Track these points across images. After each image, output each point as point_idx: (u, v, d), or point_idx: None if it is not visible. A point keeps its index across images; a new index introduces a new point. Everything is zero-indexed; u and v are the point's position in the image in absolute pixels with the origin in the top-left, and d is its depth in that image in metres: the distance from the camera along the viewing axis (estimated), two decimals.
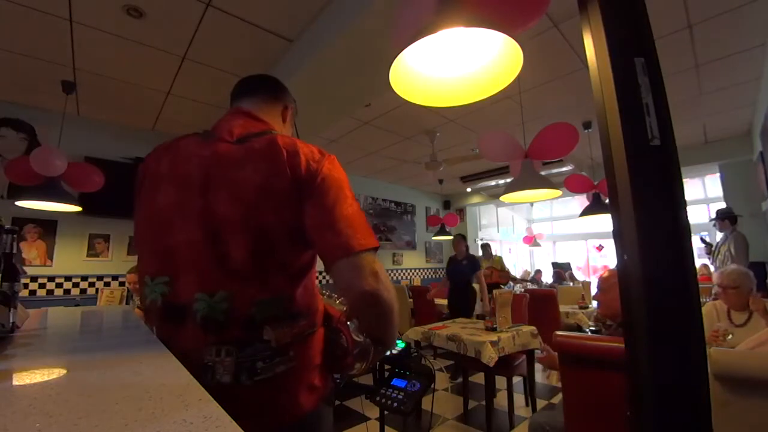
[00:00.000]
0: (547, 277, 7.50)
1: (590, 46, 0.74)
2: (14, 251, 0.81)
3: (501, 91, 1.08)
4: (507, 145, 2.92)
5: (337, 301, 0.93)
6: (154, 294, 0.74)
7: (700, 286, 0.70)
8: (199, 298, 0.69)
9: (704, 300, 3.29)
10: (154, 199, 0.77)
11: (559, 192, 2.88)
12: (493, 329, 2.78)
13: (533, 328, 2.89)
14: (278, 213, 0.70)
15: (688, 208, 0.65)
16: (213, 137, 0.79)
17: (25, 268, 3.33)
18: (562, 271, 6.98)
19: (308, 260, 0.77)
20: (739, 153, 4.64)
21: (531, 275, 7.57)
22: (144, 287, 0.77)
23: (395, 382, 0.99)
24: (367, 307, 0.72)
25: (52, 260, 3.54)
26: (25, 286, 3.38)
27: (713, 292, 2.25)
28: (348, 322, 0.85)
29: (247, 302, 0.68)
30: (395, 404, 0.95)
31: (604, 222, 3.90)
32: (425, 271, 7.46)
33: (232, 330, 0.68)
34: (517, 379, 3.12)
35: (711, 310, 2.12)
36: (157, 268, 0.75)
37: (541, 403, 3.04)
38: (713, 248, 4.05)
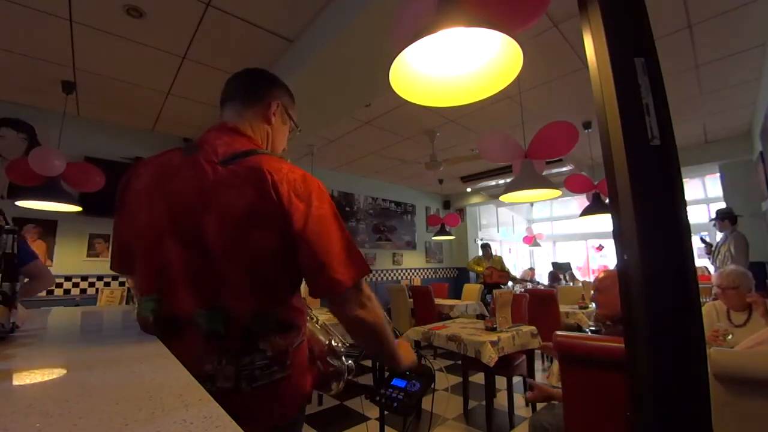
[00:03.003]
0: (543, 278, 7.46)
1: (590, 46, 0.74)
2: (15, 251, 0.81)
3: (501, 91, 1.08)
4: (506, 145, 2.92)
5: (318, 321, 1.02)
6: (146, 312, 0.76)
7: (700, 286, 0.70)
8: (199, 313, 0.72)
9: (704, 300, 3.29)
10: (140, 216, 0.78)
11: (559, 192, 2.87)
12: (493, 329, 2.78)
13: (533, 328, 2.89)
14: (266, 239, 0.72)
15: (688, 208, 0.65)
16: (197, 153, 0.78)
17: None
18: (557, 272, 6.92)
19: (296, 280, 0.80)
20: (739, 153, 4.64)
21: (531, 276, 7.55)
22: (139, 302, 0.80)
23: (395, 382, 0.99)
24: (358, 328, 0.80)
25: (52, 260, 3.54)
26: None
27: (713, 292, 2.25)
28: (328, 356, 0.94)
29: (242, 317, 0.72)
30: (395, 404, 0.95)
31: (604, 222, 3.91)
32: (425, 271, 7.46)
33: (232, 341, 0.72)
34: (517, 379, 3.12)
35: (711, 310, 2.12)
36: (148, 285, 0.77)
37: (541, 403, 3.03)
38: (713, 248, 4.05)
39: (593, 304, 4.64)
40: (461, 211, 7.96)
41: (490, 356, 2.40)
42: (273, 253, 0.73)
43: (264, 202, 0.71)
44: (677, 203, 0.64)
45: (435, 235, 6.19)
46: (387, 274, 6.66)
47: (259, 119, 0.90)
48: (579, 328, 3.79)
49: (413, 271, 7.20)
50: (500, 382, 3.08)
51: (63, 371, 0.60)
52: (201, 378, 0.66)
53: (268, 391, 0.73)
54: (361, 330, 0.80)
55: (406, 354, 0.92)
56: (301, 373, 0.81)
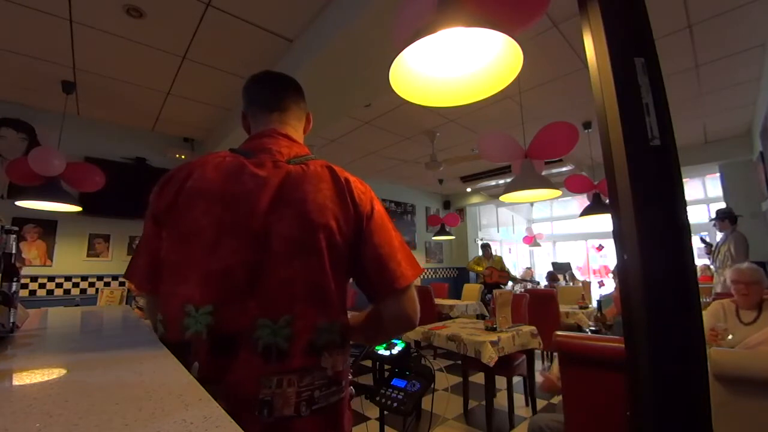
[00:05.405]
0: (542, 279, 7.43)
1: (590, 46, 0.74)
2: (14, 251, 0.81)
3: (501, 91, 1.08)
4: (506, 145, 2.92)
5: None
6: (198, 325, 0.64)
7: (700, 286, 0.70)
8: (262, 324, 0.64)
9: (704, 300, 3.28)
10: (195, 219, 0.69)
11: (559, 192, 2.88)
12: (493, 329, 2.78)
13: (533, 328, 2.89)
14: (341, 234, 0.72)
15: (688, 208, 0.65)
16: (258, 156, 0.76)
17: (25, 267, 3.34)
18: (555, 273, 6.89)
19: (346, 287, 0.78)
20: (739, 153, 4.64)
21: (531, 276, 7.54)
22: (185, 317, 0.66)
23: (395, 382, 0.99)
24: (398, 327, 0.80)
25: (52, 260, 3.54)
26: (25, 286, 3.38)
27: (716, 291, 2.24)
28: None
29: (309, 327, 0.67)
30: (395, 404, 0.95)
31: (604, 222, 3.90)
32: (425, 270, 7.47)
33: (293, 358, 0.65)
34: (517, 379, 3.12)
35: (718, 308, 2.06)
36: (203, 295, 0.65)
37: (541, 403, 3.04)
38: (713, 248, 4.05)
39: (594, 303, 4.64)
40: (461, 211, 7.96)
41: (490, 356, 2.40)
42: (347, 251, 0.73)
43: (338, 195, 0.74)
44: (677, 203, 0.64)
45: (435, 235, 6.19)
46: None
47: (301, 128, 0.93)
48: (579, 328, 3.80)
49: None
50: (500, 382, 3.08)
51: (63, 371, 0.60)
52: (255, 405, 0.62)
53: (327, 414, 0.68)
54: (400, 329, 0.80)
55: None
56: (348, 393, 0.77)
